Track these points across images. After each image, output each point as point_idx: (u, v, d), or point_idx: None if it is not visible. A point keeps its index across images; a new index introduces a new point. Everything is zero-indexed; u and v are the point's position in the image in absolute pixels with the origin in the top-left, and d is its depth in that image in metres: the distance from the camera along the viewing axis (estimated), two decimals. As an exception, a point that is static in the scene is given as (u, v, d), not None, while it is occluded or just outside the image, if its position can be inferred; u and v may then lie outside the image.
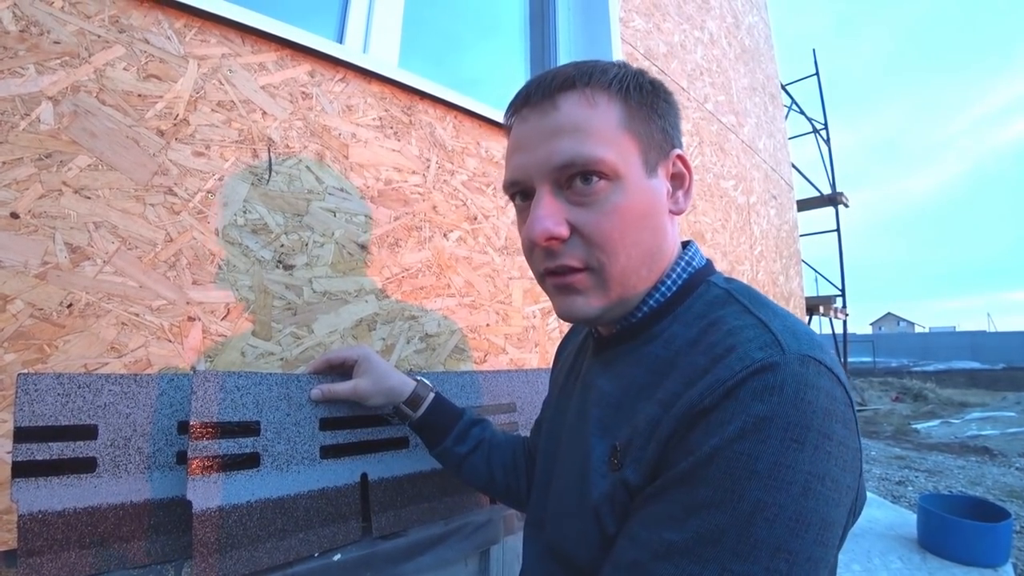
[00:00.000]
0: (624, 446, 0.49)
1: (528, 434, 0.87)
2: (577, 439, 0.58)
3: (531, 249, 0.54)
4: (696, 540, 0.39)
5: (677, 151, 0.56)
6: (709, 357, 0.44)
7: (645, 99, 0.53)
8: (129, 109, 0.74)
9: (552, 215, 0.50)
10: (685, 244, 0.60)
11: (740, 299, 0.50)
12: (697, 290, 0.54)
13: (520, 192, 0.55)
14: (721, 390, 0.41)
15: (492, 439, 0.83)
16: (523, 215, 0.56)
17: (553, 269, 0.53)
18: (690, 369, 0.46)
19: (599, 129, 0.50)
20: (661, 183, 0.54)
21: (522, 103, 0.54)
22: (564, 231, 0.50)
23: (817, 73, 6.77)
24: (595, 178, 0.50)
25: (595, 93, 0.51)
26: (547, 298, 0.58)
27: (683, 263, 0.57)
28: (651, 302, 0.55)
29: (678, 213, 0.57)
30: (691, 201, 0.58)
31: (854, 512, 0.43)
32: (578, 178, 0.50)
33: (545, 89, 0.52)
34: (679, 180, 0.57)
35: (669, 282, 0.55)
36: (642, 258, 0.53)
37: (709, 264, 0.59)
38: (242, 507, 0.72)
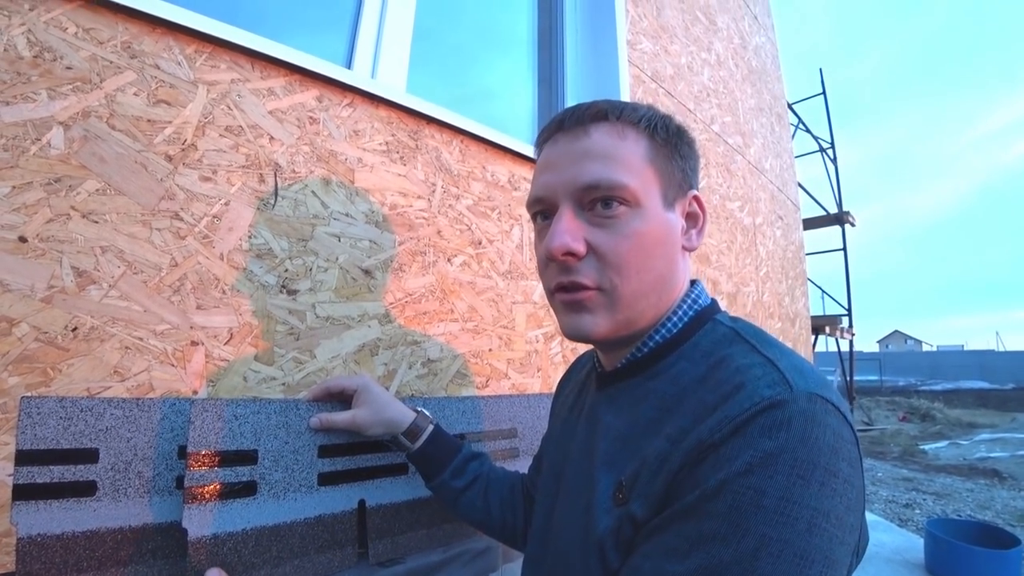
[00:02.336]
0: (630, 481, 0.49)
1: (530, 456, 0.87)
2: (582, 474, 0.58)
3: (546, 263, 0.56)
4: (699, 573, 0.39)
5: (694, 192, 0.59)
6: (718, 394, 0.45)
7: (670, 139, 0.57)
8: (138, 134, 0.74)
9: (572, 231, 0.52)
10: (692, 283, 0.61)
11: (747, 338, 0.51)
12: (704, 327, 0.55)
13: (542, 211, 0.57)
14: (730, 426, 0.41)
15: (490, 475, 0.83)
16: (542, 234, 0.58)
17: (565, 285, 0.54)
18: (699, 405, 0.46)
19: (626, 158, 0.53)
20: (677, 218, 0.57)
21: (556, 128, 0.57)
22: (581, 248, 0.52)
23: (824, 92, 6.79)
24: (616, 203, 0.52)
25: (625, 127, 0.55)
26: (550, 323, 0.60)
27: (690, 300, 0.58)
28: (657, 337, 0.56)
29: (690, 249, 0.59)
30: (703, 240, 0.60)
31: (858, 553, 0.43)
32: (600, 202, 0.52)
33: (579, 117, 0.55)
34: (693, 219, 0.59)
35: (675, 318, 0.56)
36: (653, 284, 0.54)
37: (714, 303, 0.60)
38: (237, 535, 0.72)
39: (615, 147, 0.53)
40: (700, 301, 0.58)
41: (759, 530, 0.37)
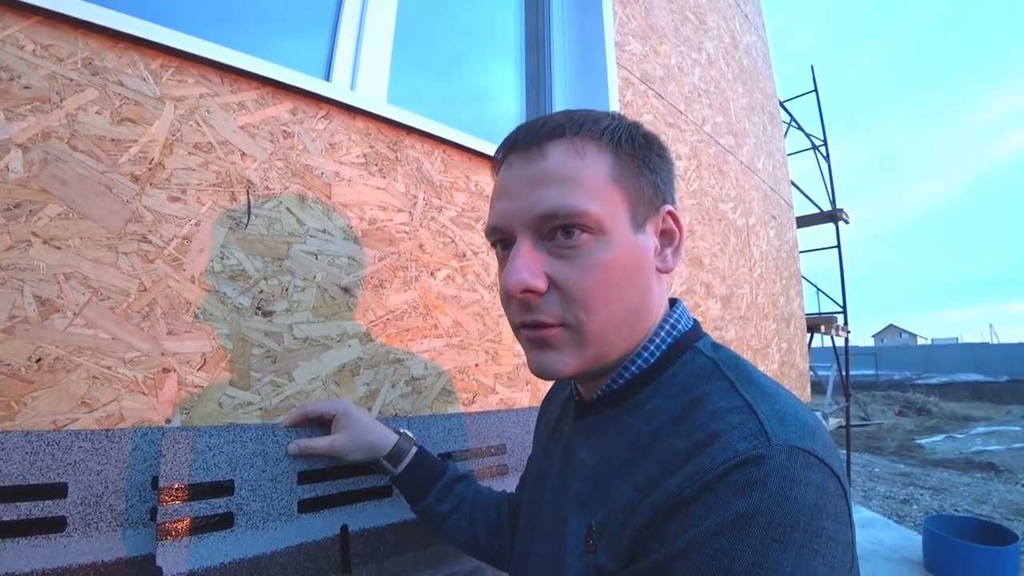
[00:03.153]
0: (600, 527, 0.46)
1: (519, 473, 0.84)
2: (556, 511, 0.56)
3: (508, 300, 0.52)
4: None
5: (668, 207, 0.54)
6: (690, 442, 0.42)
7: (637, 152, 0.51)
8: (102, 155, 0.71)
9: (530, 266, 0.48)
10: (673, 303, 0.58)
11: (727, 374, 0.47)
12: (682, 357, 0.51)
13: (501, 240, 0.53)
14: (701, 483, 0.38)
15: (475, 497, 0.80)
16: (503, 264, 0.53)
17: (528, 323, 0.50)
18: (670, 453, 0.43)
19: (586, 180, 0.48)
20: (649, 239, 0.52)
21: (509, 148, 0.52)
22: (542, 284, 0.48)
23: (816, 90, 6.78)
24: (578, 231, 0.47)
25: (585, 143, 0.49)
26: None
27: (668, 326, 0.54)
28: (633, 368, 0.52)
29: (665, 272, 0.54)
30: (680, 260, 0.55)
31: None
32: (560, 230, 0.48)
33: (534, 136, 0.50)
34: (668, 237, 0.54)
35: (652, 347, 0.53)
36: (624, 316, 0.50)
37: (696, 327, 0.56)
38: (215, 570, 0.70)
39: (574, 168, 0.48)
40: (680, 326, 0.55)
41: None
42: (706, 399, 0.45)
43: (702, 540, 0.36)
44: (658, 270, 0.53)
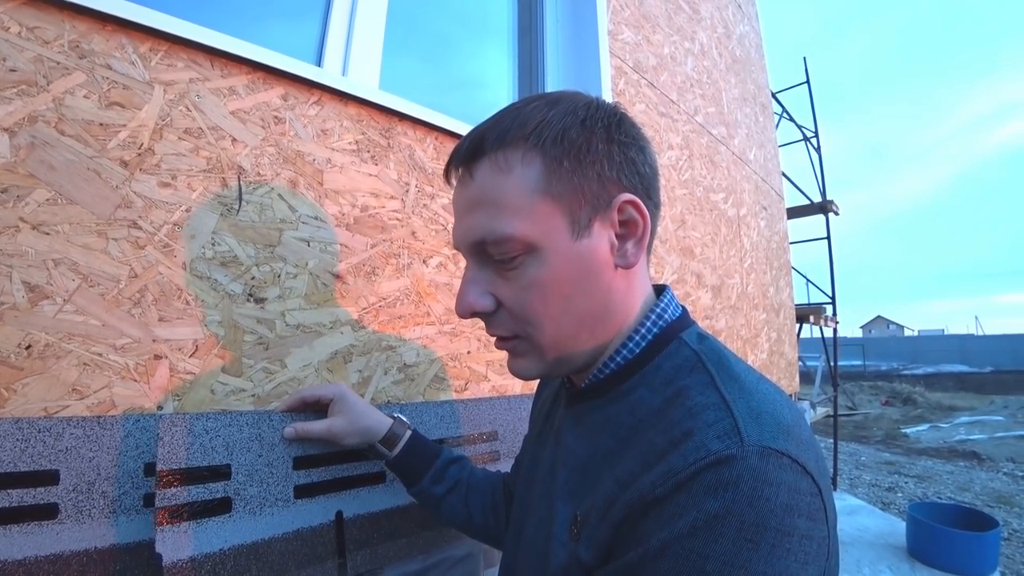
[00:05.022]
0: (583, 518, 0.47)
1: (511, 459, 0.85)
2: (546, 497, 0.57)
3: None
4: None
5: (624, 196, 0.49)
6: (667, 438, 0.42)
7: (570, 149, 0.47)
8: (90, 139, 0.71)
9: (473, 291, 0.51)
10: (663, 291, 0.57)
11: (709, 367, 0.46)
12: (668, 347, 0.51)
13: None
14: (673, 482, 0.39)
15: (470, 479, 0.81)
16: None
17: (492, 335, 0.54)
18: (648, 448, 0.43)
19: (509, 200, 0.47)
20: (598, 240, 0.49)
21: (448, 165, 0.52)
22: (488, 305, 0.51)
23: (808, 81, 6.79)
24: (511, 253, 0.48)
25: (508, 155, 0.47)
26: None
27: (654, 315, 0.53)
28: (619, 359, 0.52)
29: (627, 267, 0.51)
30: (643, 251, 0.51)
31: None
32: (496, 253, 0.49)
33: (460, 157, 0.50)
34: (630, 228, 0.50)
35: (638, 337, 0.52)
36: (578, 323, 0.50)
37: (684, 315, 0.56)
38: (214, 556, 0.70)
39: (497, 188, 0.47)
40: (667, 316, 0.54)
41: None
42: (685, 393, 0.45)
43: (675, 540, 0.37)
44: (620, 267, 0.51)
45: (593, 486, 0.48)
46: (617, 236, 0.50)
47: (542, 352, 0.52)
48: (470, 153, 0.49)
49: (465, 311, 0.51)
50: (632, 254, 0.51)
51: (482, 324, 0.55)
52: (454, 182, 0.53)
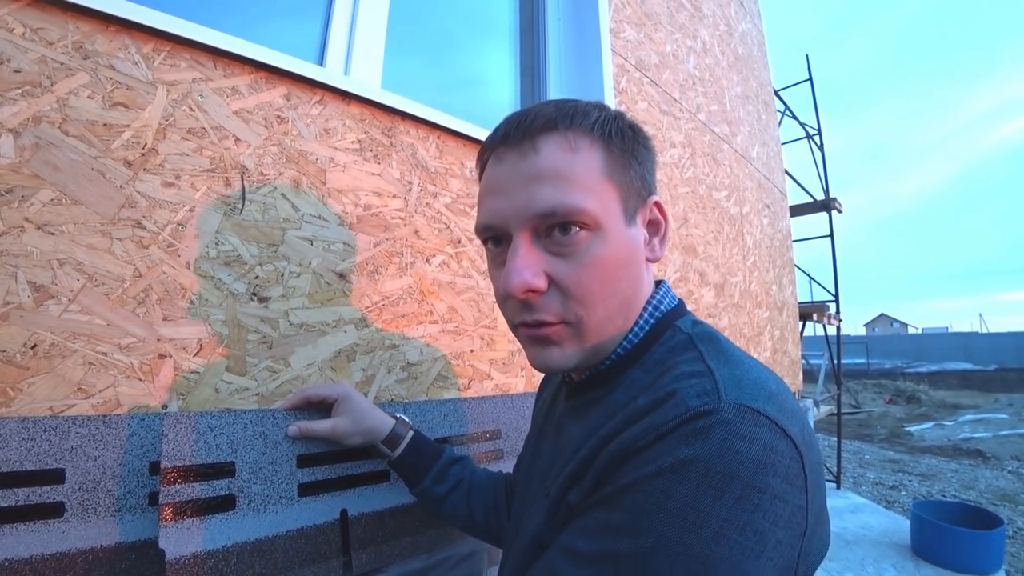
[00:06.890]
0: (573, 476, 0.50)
1: (514, 457, 0.86)
2: (542, 485, 0.57)
3: (505, 300, 0.52)
4: (600, 556, 0.40)
5: (654, 198, 0.55)
6: (651, 399, 0.44)
7: (626, 145, 0.52)
8: (94, 139, 0.71)
9: (530, 266, 0.48)
10: (658, 284, 0.59)
11: (699, 346, 0.49)
12: (663, 336, 0.53)
13: (493, 237, 0.53)
14: (654, 435, 0.41)
15: (472, 478, 0.82)
16: (497, 261, 0.53)
17: (529, 322, 0.50)
18: (631, 409, 0.45)
19: (581, 176, 0.48)
20: (639, 231, 0.53)
21: (499, 142, 0.51)
22: (543, 283, 0.48)
23: (811, 79, 6.77)
24: (575, 228, 0.47)
25: (577, 137, 0.49)
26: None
27: (651, 307, 0.55)
28: (619, 350, 0.54)
29: (654, 261, 0.56)
30: (666, 248, 0.57)
31: (797, 572, 0.40)
32: (557, 228, 0.48)
33: (525, 129, 0.49)
34: (655, 227, 0.56)
35: (636, 328, 0.54)
36: (619, 308, 0.51)
37: (680, 305, 0.58)
38: (218, 553, 0.70)
39: (568, 164, 0.48)
40: (663, 307, 0.56)
41: (659, 530, 0.37)
42: (674, 367, 0.47)
43: (644, 479, 0.39)
44: (647, 260, 0.55)
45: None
46: (647, 233, 0.55)
47: (584, 338, 0.51)
48: (538, 127, 0.49)
49: (520, 288, 0.47)
50: (658, 249, 0.56)
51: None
52: (505, 154, 0.50)
